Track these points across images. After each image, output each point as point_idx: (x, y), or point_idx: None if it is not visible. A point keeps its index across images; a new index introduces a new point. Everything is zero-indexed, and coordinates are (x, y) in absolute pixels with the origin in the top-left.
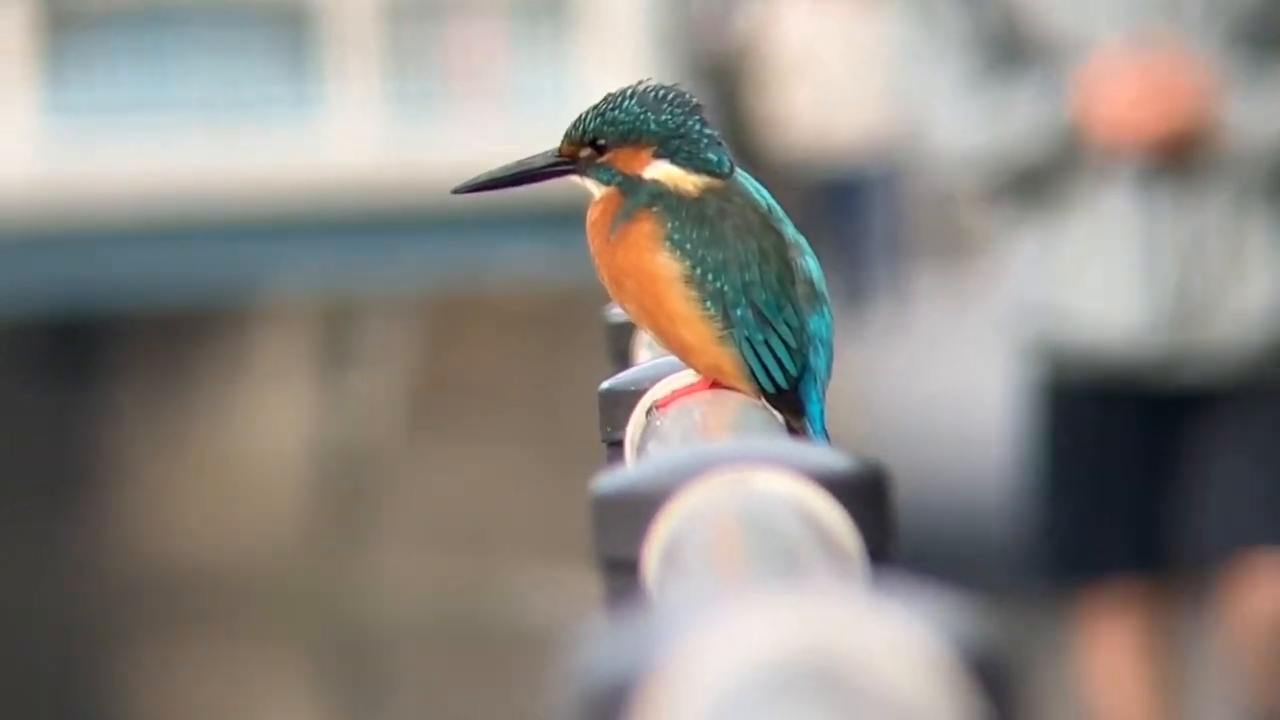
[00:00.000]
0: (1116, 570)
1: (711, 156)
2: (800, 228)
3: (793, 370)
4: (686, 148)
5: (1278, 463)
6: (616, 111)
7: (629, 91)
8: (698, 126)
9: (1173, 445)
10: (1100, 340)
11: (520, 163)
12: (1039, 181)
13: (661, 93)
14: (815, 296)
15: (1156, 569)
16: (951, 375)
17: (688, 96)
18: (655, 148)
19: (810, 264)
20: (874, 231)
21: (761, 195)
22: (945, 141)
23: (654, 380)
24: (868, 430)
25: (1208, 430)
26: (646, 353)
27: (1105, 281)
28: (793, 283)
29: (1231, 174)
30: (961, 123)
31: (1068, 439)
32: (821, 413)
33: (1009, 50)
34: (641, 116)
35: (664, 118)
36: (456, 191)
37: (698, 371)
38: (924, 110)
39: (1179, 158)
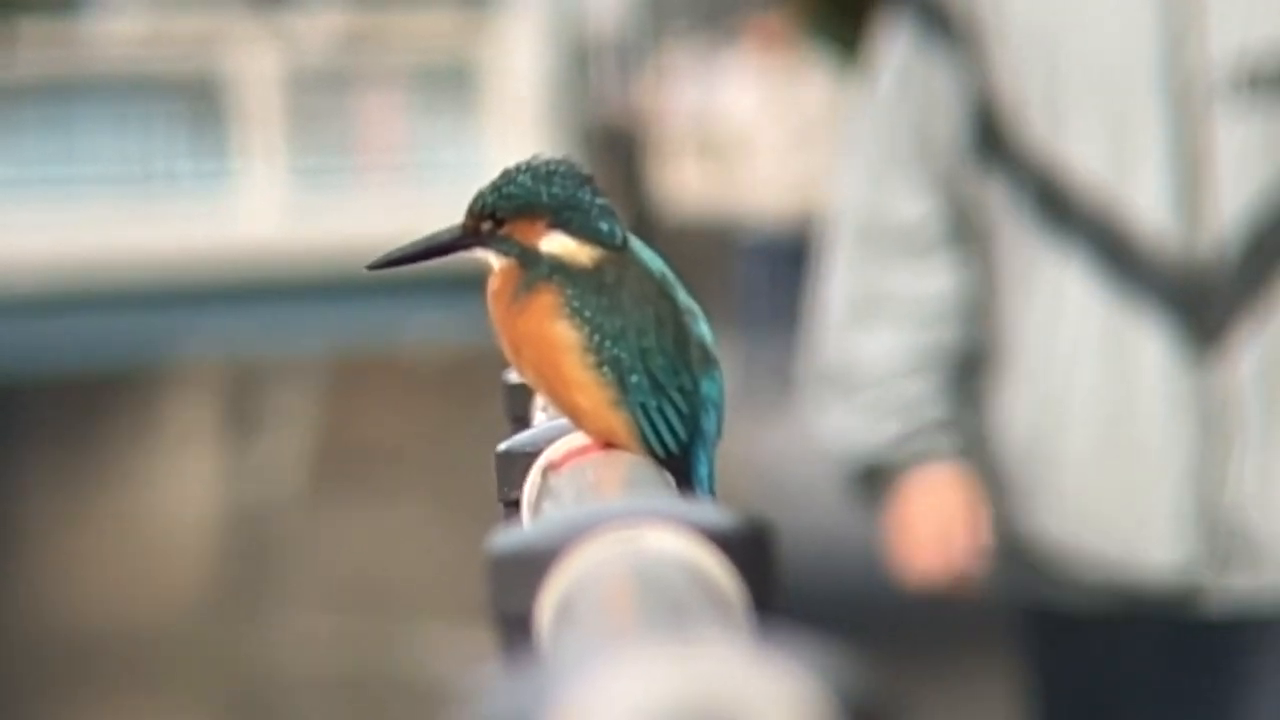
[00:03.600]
0: None
1: (603, 226)
2: (709, 295)
3: (683, 435)
4: (579, 218)
5: None
6: (511, 186)
7: (522, 165)
8: (589, 197)
9: (1205, 679)
10: (1116, 576)
11: (428, 238)
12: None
13: (553, 165)
14: (707, 360)
15: None
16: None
17: (578, 168)
18: (549, 219)
19: (703, 328)
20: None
21: (655, 263)
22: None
23: (549, 442)
24: (773, 501)
25: (1253, 659)
26: (542, 415)
27: (1126, 502)
28: (687, 348)
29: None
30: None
31: (1070, 675)
32: (710, 473)
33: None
34: (534, 189)
35: (555, 190)
36: (371, 267)
37: (590, 435)
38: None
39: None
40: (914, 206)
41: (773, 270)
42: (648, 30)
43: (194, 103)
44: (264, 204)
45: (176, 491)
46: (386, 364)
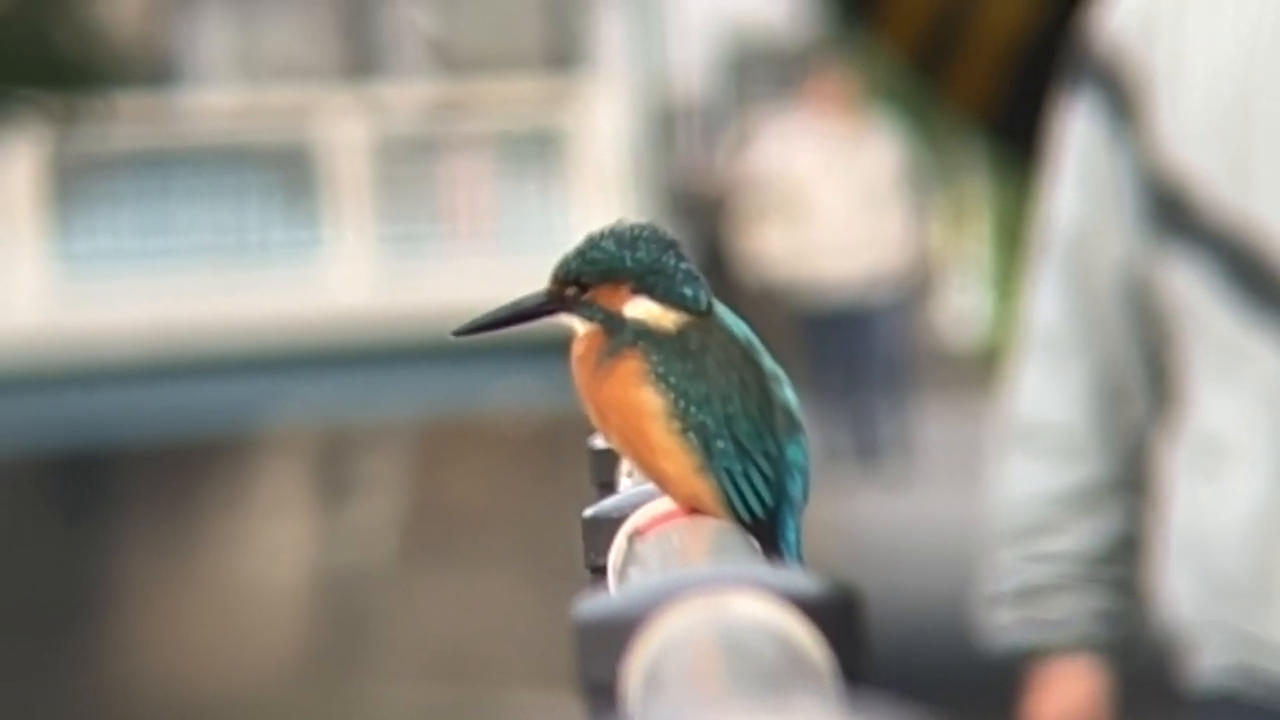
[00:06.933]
0: None
1: (687, 291)
2: (794, 361)
3: (769, 500)
4: (663, 283)
5: None
6: (594, 251)
7: (606, 231)
8: (673, 262)
9: None
10: None
11: (513, 304)
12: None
13: (637, 230)
14: (793, 425)
15: None
16: (954, 521)
17: (662, 233)
18: (632, 284)
19: (788, 394)
20: (877, 365)
21: (739, 328)
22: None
23: (635, 507)
24: (857, 566)
25: None
26: (628, 480)
27: None
28: (772, 413)
29: None
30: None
31: None
32: (797, 539)
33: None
34: (617, 255)
35: (639, 255)
36: (457, 333)
37: (676, 500)
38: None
39: None
40: (1056, 306)
41: (840, 334)
42: (731, 95)
43: (286, 173)
44: (354, 272)
45: (268, 557)
46: (474, 429)
